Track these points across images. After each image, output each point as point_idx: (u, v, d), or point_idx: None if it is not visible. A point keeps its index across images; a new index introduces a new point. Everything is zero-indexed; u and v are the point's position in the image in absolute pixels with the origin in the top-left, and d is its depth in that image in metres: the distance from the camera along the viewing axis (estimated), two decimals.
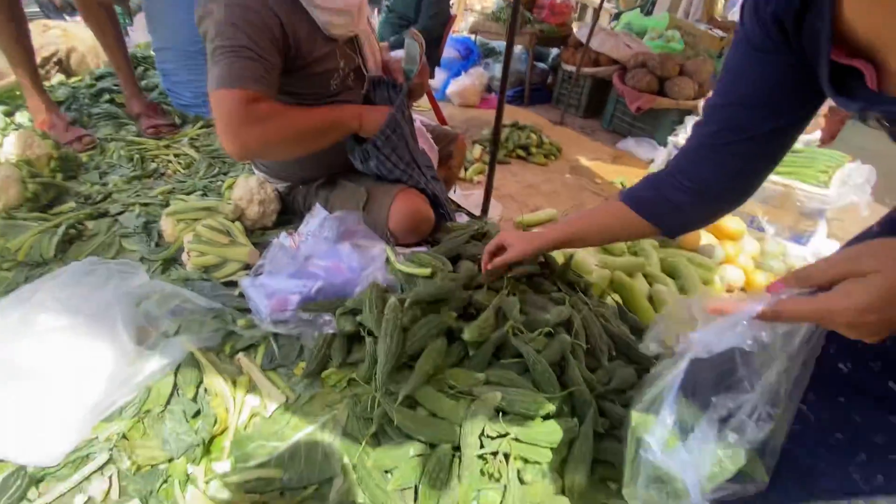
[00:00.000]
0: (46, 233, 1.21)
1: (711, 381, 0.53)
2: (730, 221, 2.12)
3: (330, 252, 1.14)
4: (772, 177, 2.38)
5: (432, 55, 3.58)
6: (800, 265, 0.48)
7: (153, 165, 1.61)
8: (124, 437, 0.80)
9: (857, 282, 0.40)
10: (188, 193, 1.48)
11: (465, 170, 2.89)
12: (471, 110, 4.08)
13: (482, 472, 0.75)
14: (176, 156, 1.69)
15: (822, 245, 2.25)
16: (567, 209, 2.60)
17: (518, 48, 4.59)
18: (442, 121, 3.41)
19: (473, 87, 4.07)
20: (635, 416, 0.59)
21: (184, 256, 1.17)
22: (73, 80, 2.28)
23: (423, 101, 3.80)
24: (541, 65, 4.54)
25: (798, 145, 2.61)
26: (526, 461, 0.78)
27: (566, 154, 3.34)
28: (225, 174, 1.63)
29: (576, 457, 0.77)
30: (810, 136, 2.79)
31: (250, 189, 1.30)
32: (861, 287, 0.40)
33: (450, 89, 4.12)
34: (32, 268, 1.15)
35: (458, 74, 4.18)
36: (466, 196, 2.42)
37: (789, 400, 0.50)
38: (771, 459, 0.53)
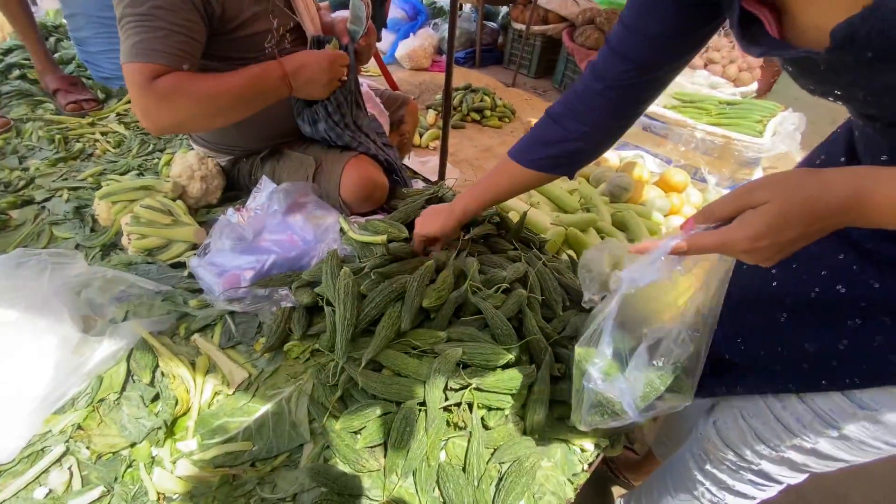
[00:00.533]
0: None
1: (641, 315, 0.57)
2: (676, 175, 2.22)
3: (281, 225, 1.11)
4: (713, 129, 2.49)
5: (377, 16, 3.41)
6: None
7: (78, 146, 1.48)
8: (80, 427, 0.77)
9: (752, 213, 0.44)
10: (122, 174, 1.38)
11: (420, 136, 2.85)
12: (422, 74, 3.97)
13: (448, 423, 0.79)
14: (103, 134, 1.55)
15: None
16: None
17: (467, 7, 4.46)
18: (393, 85, 3.31)
19: (423, 49, 3.94)
20: (579, 350, 0.64)
21: (124, 240, 1.11)
22: None
23: (372, 66, 3.67)
24: (491, 24, 4.44)
25: (736, 97, 2.74)
26: (489, 408, 0.82)
27: (520, 115, 3.34)
28: (161, 151, 1.52)
29: (534, 399, 0.82)
30: (748, 87, 2.92)
31: (189, 165, 1.23)
32: (755, 217, 0.44)
33: (398, 52, 3.98)
34: None
35: (406, 36, 4.03)
36: (423, 163, 2.40)
37: (705, 324, 0.56)
38: (693, 378, 0.58)
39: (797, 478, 0.72)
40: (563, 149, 0.80)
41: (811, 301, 0.60)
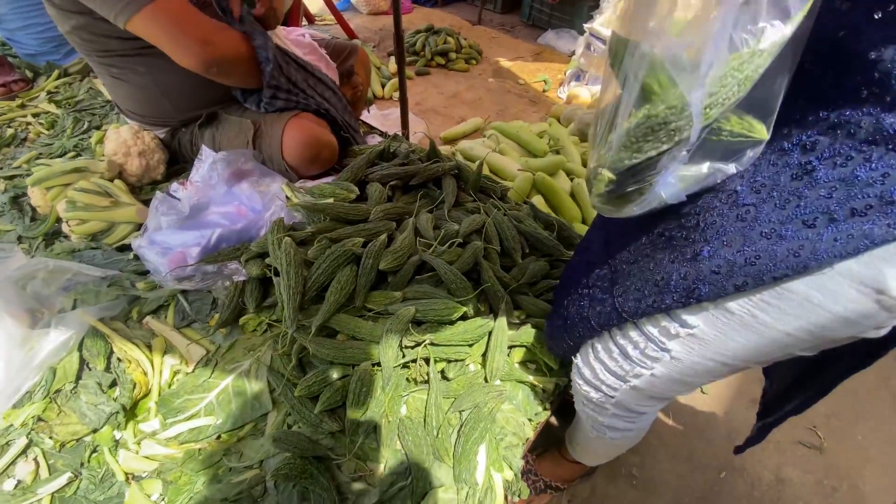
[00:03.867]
0: None
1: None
2: None
3: (227, 196, 1.06)
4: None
5: None
6: None
7: (10, 131, 1.38)
8: (40, 419, 0.77)
9: None
10: (58, 156, 1.31)
11: (383, 87, 2.72)
12: (382, 18, 3.72)
13: (408, 380, 0.80)
14: (35, 116, 1.45)
15: None
16: (491, 117, 2.54)
17: None
18: (350, 33, 3.11)
19: None
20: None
21: (64, 227, 1.06)
22: None
23: (327, 15, 3.42)
24: None
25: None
26: (448, 361, 0.83)
27: (487, 56, 3.18)
28: (97, 128, 1.43)
29: (493, 346, 0.83)
30: None
31: (124, 141, 1.16)
32: None
33: None
34: None
35: None
36: (386, 115, 2.29)
37: None
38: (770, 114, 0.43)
39: (655, 407, 0.73)
40: None
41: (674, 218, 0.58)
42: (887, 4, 0.38)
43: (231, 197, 1.07)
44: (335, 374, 0.77)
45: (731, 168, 0.47)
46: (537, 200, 1.67)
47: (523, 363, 0.91)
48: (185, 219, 0.99)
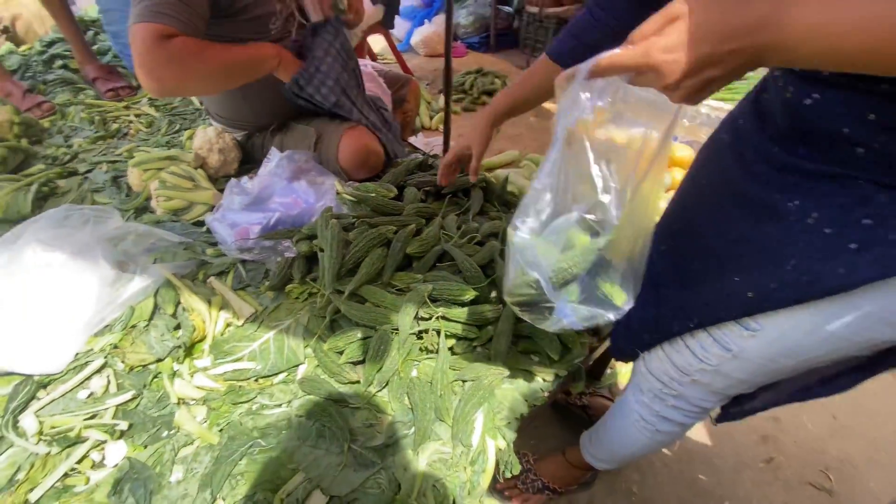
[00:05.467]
0: (20, 191, 1.30)
1: (570, 174, 0.54)
2: (679, 150, 2.24)
3: (286, 189, 1.25)
4: (718, 104, 2.49)
5: (392, 3, 3.52)
6: None
7: (115, 126, 1.67)
8: (115, 346, 0.94)
9: (670, 24, 0.43)
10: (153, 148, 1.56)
11: (430, 118, 2.96)
12: (438, 60, 4.05)
13: (420, 349, 0.91)
14: (137, 116, 1.74)
15: None
16: (529, 151, 2.70)
17: None
18: (407, 71, 3.42)
19: (438, 35, 4.02)
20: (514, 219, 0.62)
21: (153, 203, 1.28)
22: (22, 48, 2.26)
23: (388, 55, 3.79)
24: (506, 8, 4.47)
25: None
26: (458, 338, 0.94)
27: None
28: (186, 129, 1.70)
29: (499, 331, 0.92)
30: None
31: (209, 139, 1.38)
32: (672, 27, 0.42)
33: (413, 39, 4.07)
34: (10, 224, 1.24)
35: (421, 23, 4.12)
36: (429, 142, 2.50)
37: (635, 204, 0.52)
38: (629, 286, 0.58)
39: (713, 401, 0.80)
40: (588, 37, 0.84)
41: (731, 243, 0.68)
42: None
43: (290, 190, 1.25)
44: (359, 335, 0.89)
45: (610, 315, 0.59)
46: None
47: (526, 352, 1.00)
48: (251, 203, 1.18)
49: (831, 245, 0.55)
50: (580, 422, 1.37)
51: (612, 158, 0.54)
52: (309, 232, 1.11)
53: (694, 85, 0.44)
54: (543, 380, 0.97)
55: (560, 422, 1.40)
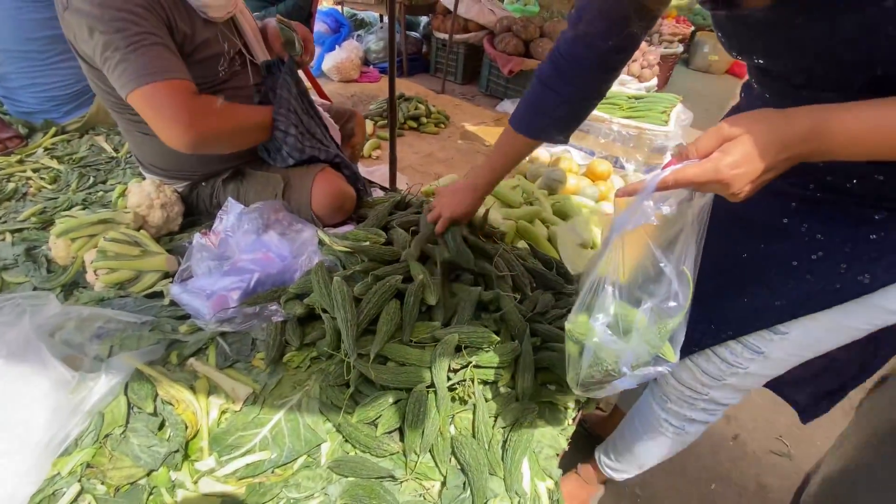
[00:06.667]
0: None
1: (633, 267, 0.61)
2: (600, 165, 2.48)
3: (256, 244, 1.13)
4: (626, 121, 2.79)
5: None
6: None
7: (10, 185, 1.37)
8: (89, 465, 0.76)
9: (731, 143, 0.50)
10: (66, 209, 1.31)
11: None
12: (352, 85, 4.00)
13: (453, 400, 0.88)
14: (34, 171, 1.45)
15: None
16: (465, 174, 2.77)
17: (387, 19, 4.55)
18: (324, 97, 3.31)
19: (350, 61, 3.97)
20: (573, 323, 0.68)
21: (88, 277, 1.07)
22: None
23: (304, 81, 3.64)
24: (413, 34, 4.57)
25: (641, 92, 3.09)
26: (485, 383, 0.92)
27: (454, 121, 3.49)
28: (103, 182, 1.46)
29: (522, 368, 0.93)
30: (649, 82, 3.29)
31: (147, 194, 1.21)
32: (734, 146, 0.49)
33: (325, 65, 3.97)
34: None
35: (331, 49, 4.03)
36: (371, 172, 2.45)
37: (689, 280, 0.60)
38: (677, 340, 0.63)
39: (738, 397, 0.90)
40: (560, 114, 0.91)
41: (743, 261, 0.77)
42: None
43: (260, 244, 1.13)
44: (391, 399, 0.84)
45: (664, 370, 0.65)
46: (520, 244, 1.85)
47: (543, 384, 1.01)
48: (221, 265, 1.05)
49: (849, 258, 0.65)
50: (579, 437, 1.43)
51: (666, 247, 0.60)
52: (298, 290, 1.02)
53: (754, 189, 0.52)
54: (565, 407, 0.99)
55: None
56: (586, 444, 1.30)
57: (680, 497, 1.33)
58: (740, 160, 0.49)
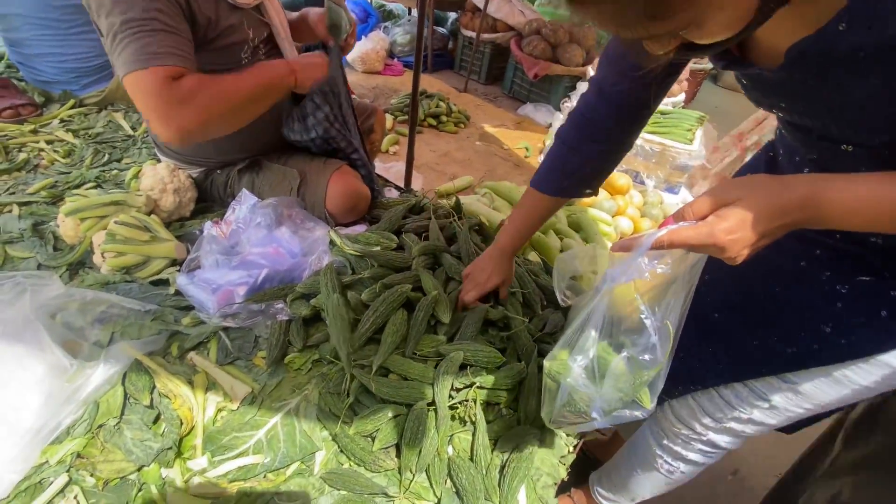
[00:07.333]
0: None
1: (619, 317, 0.63)
2: (619, 179, 2.43)
3: (268, 239, 1.11)
4: (650, 136, 2.74)
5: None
6: (674, 211, 0.57)
7: (22, 156, 1.37)
8: (80, 455, 0.75)
9: (727, 208, 0.50)
10: (77, 186, 1.30)
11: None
12: (376, 77, 3.97)
13: (453, 418, 0.86)
14: (48, 143, 1.45)
15: (688, 195, 2.69)
16: (482, 176, 2.74)
17: (416, 11, 4.51)
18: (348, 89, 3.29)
19: (376, 53, 3.94)
20: (552, 361, 0.69)
21: (95, 258, 1.06)
22: None
23: None
24: (440, 29, 4.52)
25: (668, 107, 3.03)
26: (487, 404, 0.90)
27: (474, 121, 3.45)
28: (118, 161, 1.45)
29: (526, 392, 0.90)
30: (677, 97, 3.23)
31: (161, 178, 1.19)
32: (730, 211, 0.49)
33: (350, 55, 3.94)
34: None
35: (358, 38, 4.00)
36: (387, 168, 2.42)
37: (671, 334, 0.60)
38: (656, 389, 0.64)
39: (736, 443, 0.86)
40: (586, 172, 0.89)
41: (757, 301, 0.74)
42: None
43: (270, 239, 1.12)
44: (390, 413, 0.82)
45: (638, 415, 0.65)
46: (532, 257, 1.82)
47: None
48: (230, 258, 1.03)
49: (866, 313, 0.63)
50: (576, 459, 1.40)
51: (652, 300, 0.61)
52: (305, 290, 1.00)
53: (751, 253, 0.52)
54: (567, 434, 0.97)
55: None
56: (583, 466, 1.27)
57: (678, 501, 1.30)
58: (735, 226, 0.49)
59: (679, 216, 0.53)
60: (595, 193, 0.96)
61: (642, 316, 0.60)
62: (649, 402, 0.64)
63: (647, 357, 0.60)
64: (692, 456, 0.90)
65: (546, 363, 0.70)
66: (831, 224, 0.49)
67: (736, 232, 0.49)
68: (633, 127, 0.86)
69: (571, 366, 0.65)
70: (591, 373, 0.64)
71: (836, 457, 0.92)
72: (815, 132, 0.61)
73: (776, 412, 0.75)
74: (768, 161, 0.81)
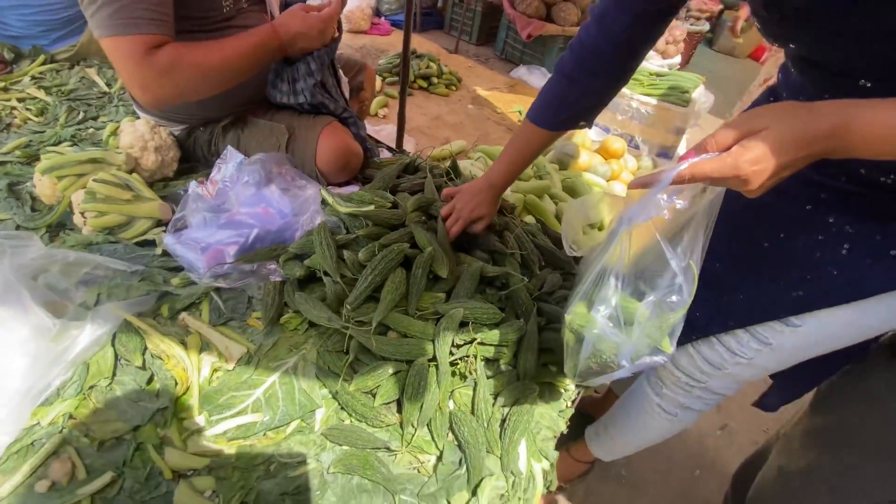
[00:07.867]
0: None
1: (640, 259, 0.62)
2: (614, 142, 2.39)
3: (256, 198, 1.07)
4: (645, 98, 2.68)
5: None
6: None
7: None
8: (71, 416, 0.73)
9: (753, 138, 0.47)
10: (52, 145, 1.23)
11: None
12: (362, 37, 3.81)
13: (453, 374, 0.85)
14: (20, 100, 1.36)
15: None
16: (475, 140, 2.67)
17: None
18: None
19: (361, 11, 3.76)
20: (572, 314, 0.68)
21: (76, 219, 1.01)
22: None
23: None
24: None
25: (664, 69, 2.95)
26: (487, 360, 0.89)
27: (465, 83, 3.35)
28: (94, 119, 1.37)
29: (525, 348, 0.90)
30: (673, 59, 3.15)
31: (141, 135, 1.13)
32: (755, 141, 0.47)
33: None
34: None
35: None
36: (377, 131, 2.35)
37: (693, 274, 0.60)
38: (675, 334, 0.63)
39: (735, 388, 0.88)
40: (583, 104, 0.90)
41: (761, 249, 0.73)
42: None
43: (260, 198, 1.07)
44: (390, 370, 0.81)
45: (660, 361, 0.64)
46: (528, 220, 1.80)
47: (545, 364, 0.99)
48: (218, 216, 0.99)
49: (875, 252, 0.62)
50: (571, 416, 1.43)
51: (673, 240, 0.59)
52: (297, 250, 0.97)
53: (771, 185, 0.50)
54: (565, 389, 0.98)
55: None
56: (578, 423, 1.29)
57: (664, 480, 1.35)
58: (761, 156, 0.47)
59: (701, 148, 0.50)
60: (589, 126, 0.97)
61: (667, 256, 0.58)
62: (670, 347, 0.63)
63: (674, 298, 0.59)
64: (690, 402, 0.91)
65: (567, 317, 0.68)
66: (857, 152, 0.46)
67: (760, 162, 0.47)
68: (632, 62, 0.86)
69: (595, 317, 0.63)
70: (616, 321, 0.62)
71: (796, 423, 0.92)
72: (833, 67, 0.58)
73: (778, 355, 0.76)
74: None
